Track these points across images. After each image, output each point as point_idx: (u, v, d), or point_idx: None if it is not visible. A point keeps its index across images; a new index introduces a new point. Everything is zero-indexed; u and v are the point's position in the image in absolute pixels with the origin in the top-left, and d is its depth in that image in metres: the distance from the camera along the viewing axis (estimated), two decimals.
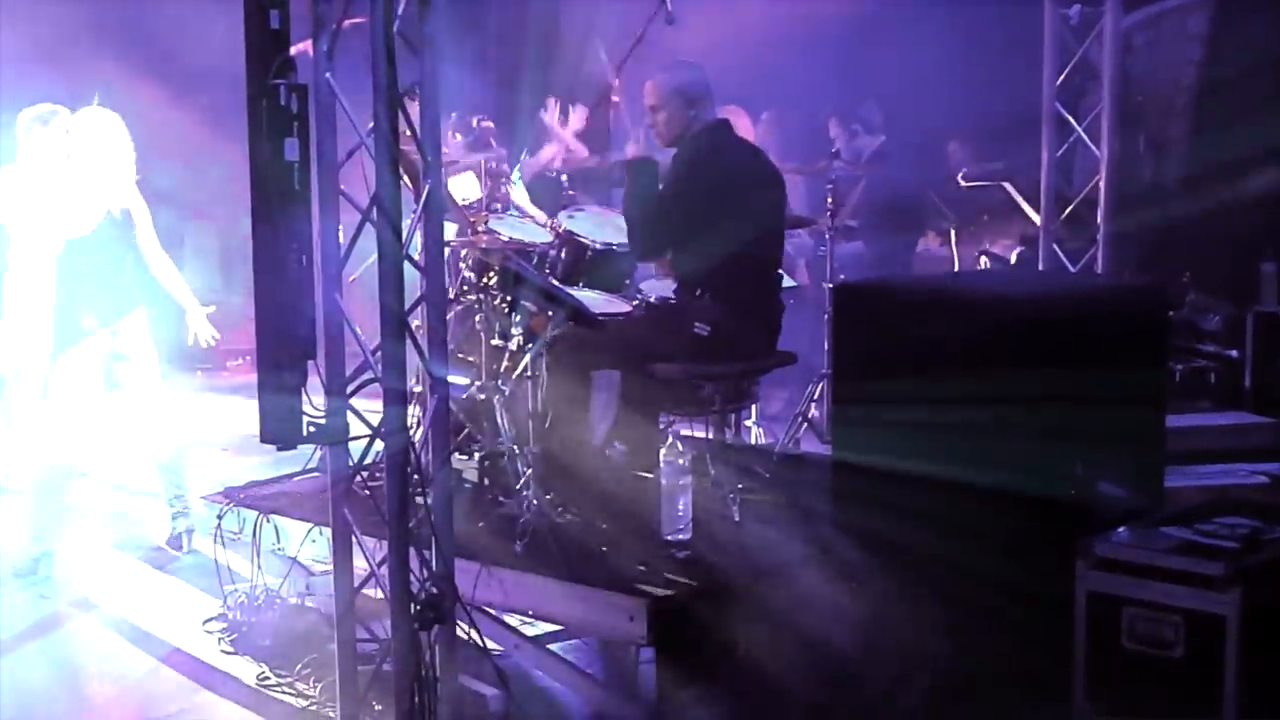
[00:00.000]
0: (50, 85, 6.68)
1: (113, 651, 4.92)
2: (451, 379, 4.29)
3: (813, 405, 6.70)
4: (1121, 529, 3.86)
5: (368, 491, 3.76)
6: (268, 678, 4.52)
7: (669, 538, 4.57)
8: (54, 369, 5.79)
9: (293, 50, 3.45)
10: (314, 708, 4.25)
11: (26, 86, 6.85)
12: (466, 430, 5.42)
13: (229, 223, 10.10)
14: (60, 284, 5.73)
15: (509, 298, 5.15)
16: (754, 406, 6.42)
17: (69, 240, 5.66)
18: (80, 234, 5.66)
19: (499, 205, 6.46)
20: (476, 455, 5.31)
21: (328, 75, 3.57)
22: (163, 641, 4.98)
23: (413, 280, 3.63)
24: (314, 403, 3.55)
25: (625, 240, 5.26)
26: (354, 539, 3.71)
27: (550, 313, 4.94)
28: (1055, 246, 7.49)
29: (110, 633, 5.11)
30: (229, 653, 4.79)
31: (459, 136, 7.77)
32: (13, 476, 6.75)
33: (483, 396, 5.27)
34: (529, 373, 4.96)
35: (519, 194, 6.65)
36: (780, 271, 5.42)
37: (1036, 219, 7.66)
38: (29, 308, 5.83)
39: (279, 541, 5.22)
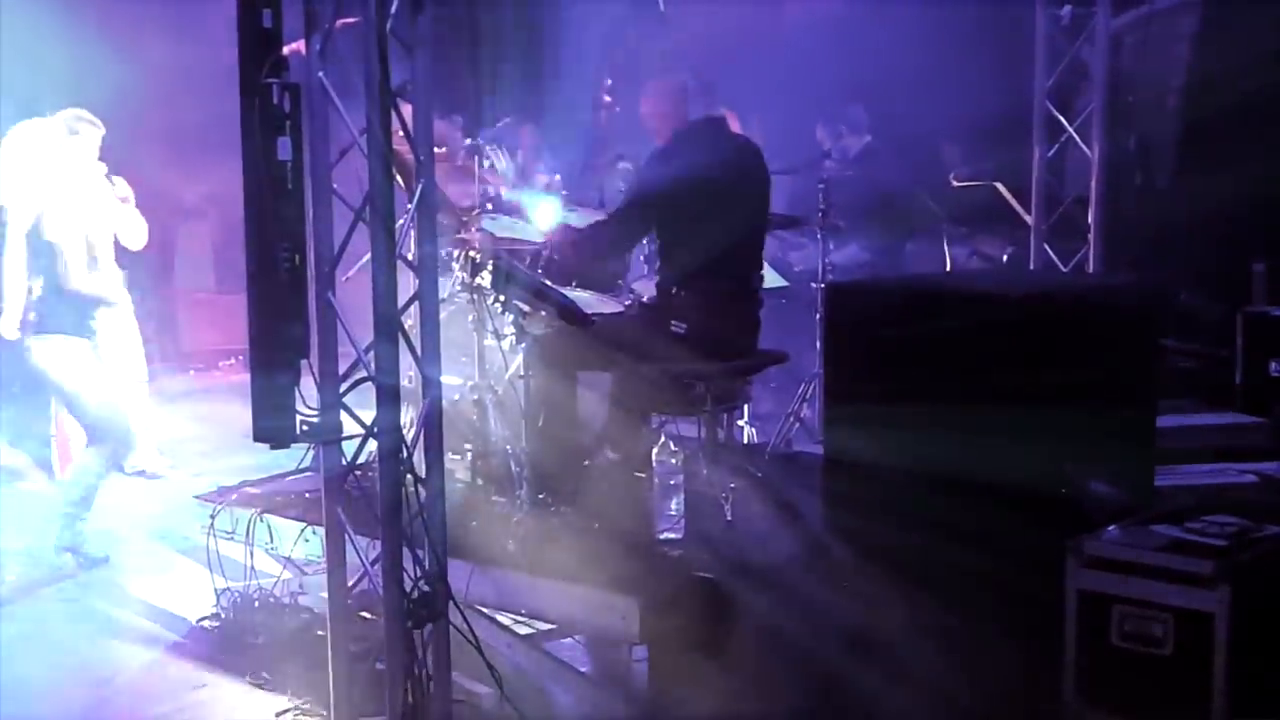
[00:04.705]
0: (49, 84, 6.71)
1: (106, 650, 4.93)
2: (444, 378, 4.30)
3: (804, 405, 6.72)
4: (1111, 527, 3.87)
5: (361, 490, 3.77)
6: (261, 676, 4.53)
7: (661, 537, 4.59)
8: None
9: (285, 50, 3.46)
10: (307, 706, 4.26)
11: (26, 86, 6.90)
12: (459, 428, 5.42)
13: (222, 222, 10.09)
14: None
15: (501, 297, 5.16)
16: (746, 406, 6.43)
17: None
18: None
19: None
20: (469, 454, 5.32)
21: (320, 75, 3.58)
22: (156, 640, 4.99)
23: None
24: (307, 402, 3.56)
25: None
26: (347, 538, 3.72)
27: (542, 312, 4.95)
28: (1046, 246, 7.51)
29: (103, 630, 5.12)
30: (222, 651, 4.79)
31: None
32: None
33: (475, 396, 5.28)
34: (521, 372, 4.97)
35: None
36: (762, 271, 5.40)
37: (1028, 219, 7.68)
38: None
39: (272, 541, 5.23)
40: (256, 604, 4.92)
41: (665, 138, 5.11)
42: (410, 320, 3.80)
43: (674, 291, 4.96)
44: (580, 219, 5.74)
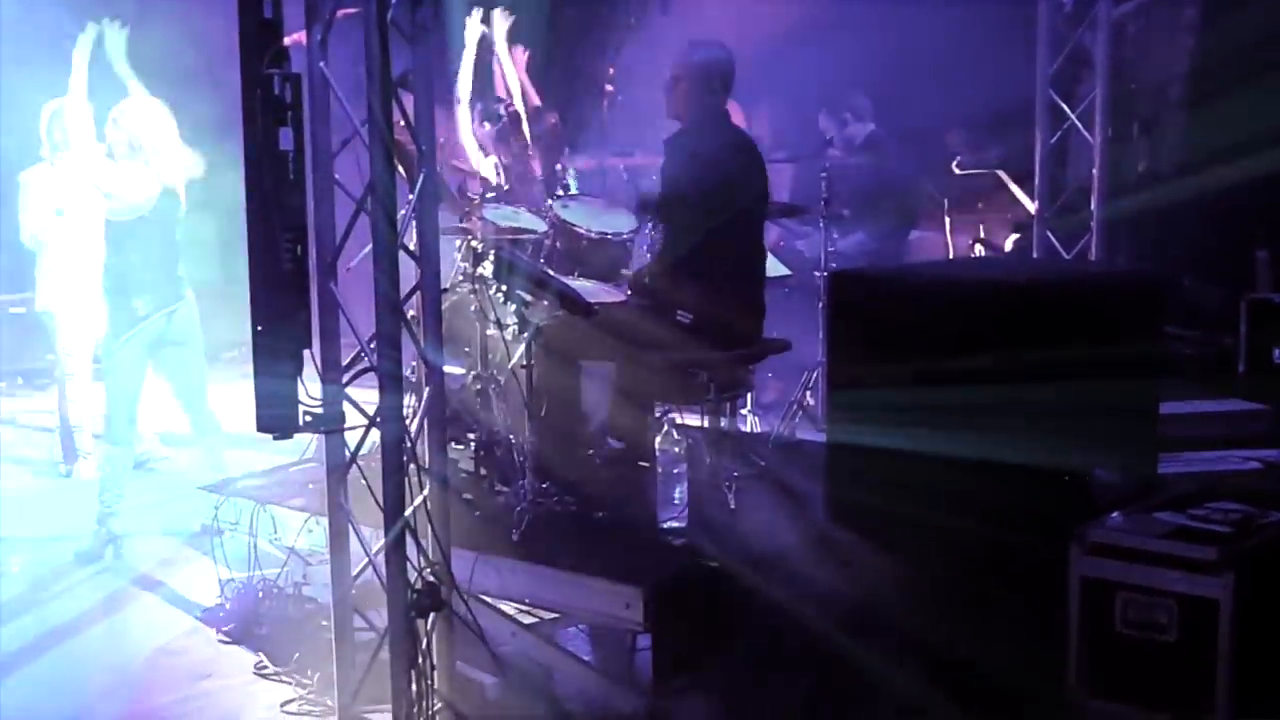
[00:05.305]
0: (51, 78, 6.70)
1: (111, 640, 4.94)
2: (447, 368, 4.29)
3: (808, 393, 6.71)
4: (1115, 514, 3.88)
5: (364, 480, 3.77)
6: (266, 666, 4.54)
7: (665, 525, 4.59)
8: (105, 353, 5.87)
9: (286, 41, 3.46)
10: (312, 696, 4.27)
11: (28, 80, 6.89)
12: (462, 418, 5.42)
13: (225, 212, 10.07)
14: (109, 267, 5.79)
15: (503, 286, 5.16)
16: (749, 395, 6.43)
17: (117, 223, 5.72)
18: (128, 217, 5.70)
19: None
20: (472, 444, 5.32)
21: (321, 65, 3.58)
22: (161, 630, 5.00)
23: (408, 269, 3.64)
24: (310, 391, 3.56)
25: (619, 229, 5.26)
26: (351, 528, 3.72)
27: (545, 301, 4.94)
28: (1049, 234, 7.51)
29: (108, 621, 5.13)
30: (227, 642, 4.81)
31: (487, 125, 7.70)
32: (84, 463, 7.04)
33: (478, 385, 5.28)
34: (524, 361, 4.97)
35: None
36: (766, 257, 5.40)
37: (1031, 207, 7.67)
38: (78, 291, 5.88)
39: (276, 531, 5.23)
40: (261, 594, 4.93)
41: (674, 112, 5.10)
42: (412, 310, 3.80)
43: (680, 279, 4.96)
44: (576, 211, 5.73)
